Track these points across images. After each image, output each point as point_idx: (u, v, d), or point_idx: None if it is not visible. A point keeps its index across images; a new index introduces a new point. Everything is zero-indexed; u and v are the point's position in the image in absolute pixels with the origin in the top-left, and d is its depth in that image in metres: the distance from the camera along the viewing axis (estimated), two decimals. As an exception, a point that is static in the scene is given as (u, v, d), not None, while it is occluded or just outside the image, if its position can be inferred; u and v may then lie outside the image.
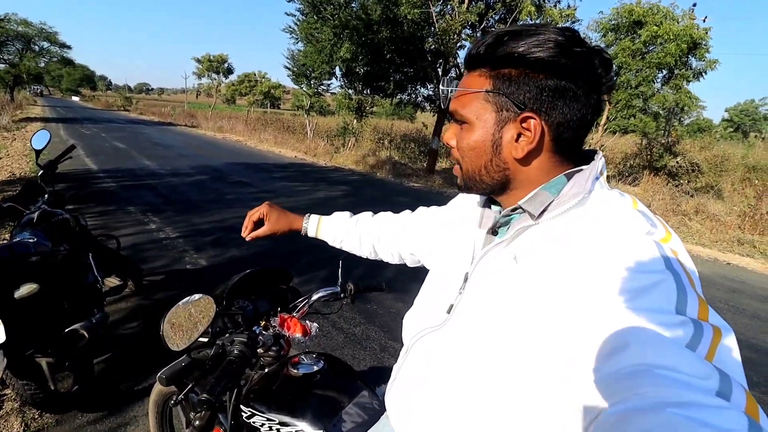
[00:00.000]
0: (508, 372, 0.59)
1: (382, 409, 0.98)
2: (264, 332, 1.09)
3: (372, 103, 14.68)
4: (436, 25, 10.17)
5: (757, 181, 9.04)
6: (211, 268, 3.86)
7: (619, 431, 0.36)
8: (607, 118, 11.09)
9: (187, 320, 0.90)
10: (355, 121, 14.73)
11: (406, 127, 19.58)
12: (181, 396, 0.94)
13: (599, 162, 0.63)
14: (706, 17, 9.86)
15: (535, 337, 0.56)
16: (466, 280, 0.69)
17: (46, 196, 2.48)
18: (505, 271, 0.62)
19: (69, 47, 30.39)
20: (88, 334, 1.91)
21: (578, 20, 9.97)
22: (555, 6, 10.01)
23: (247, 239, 1.19)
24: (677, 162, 11.61)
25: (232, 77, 39.93)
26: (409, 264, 1.09)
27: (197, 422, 0.95)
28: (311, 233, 1.20)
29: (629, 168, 12.84)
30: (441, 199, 8.28)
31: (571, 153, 0.63)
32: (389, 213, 1.15)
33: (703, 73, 10.32)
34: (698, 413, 0.34)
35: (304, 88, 16.56)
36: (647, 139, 12.91)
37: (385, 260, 1.14)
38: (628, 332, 0.43)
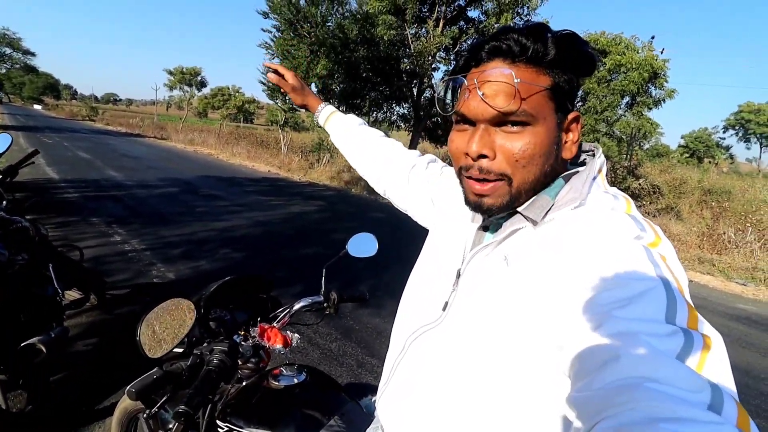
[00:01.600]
0: (504, 374, 0.58)
1: (367, 422, 0.95)
2: (243, 342, 1.04)
3: (348, 120, 14.75)
4: (412, 47, 10.41)
5: (713, 204, 9.56)
6: (180, 281, 3.70)
7: None
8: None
9: (166, 326, 0.84)
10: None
11: (380, 144, 19.72)
12: (152, 411, 0.87)
13: (597, 162, 0.63)
14: (663, 49, 10.53)
15: (528, 341, 0.55)
16: (458, 276, 0.68)
17: (4, 203, 2.34)
18: (496, 272, 0.61)
19: (33, 54, 29.45)
20: (45, 349, 1.78)
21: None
22: (525, 33, 10.44)
23: (268, 66, 1.17)
24: (639, 184, 12.16)
25: (205, 90, 39.44)
26: (394, 202, 1.05)
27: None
28: (320, 120, 1.17)
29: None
30: (415, 216, 8.36)
31: None
32: (398, 145, 1.06)
33: (662, 101, 10.96)
34: (690, 429, 0.34)
35: (279, 104, 16.47)
36: (611, 162, 13.51)
37: (370, 182, 1.11)
38: (618, 343, 0.42)
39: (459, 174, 0.64)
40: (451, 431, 0.64)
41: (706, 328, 0.44)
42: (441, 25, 10.67)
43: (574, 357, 0.46)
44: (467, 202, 0.64)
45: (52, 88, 78.59)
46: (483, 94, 0.56)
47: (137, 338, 0.83)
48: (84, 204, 6.26)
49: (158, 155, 15.30)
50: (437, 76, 12.44)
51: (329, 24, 10.96)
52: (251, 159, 16.19)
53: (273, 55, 12.94)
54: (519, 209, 0.61)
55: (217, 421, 0.97)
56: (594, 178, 0.62)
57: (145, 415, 0.88)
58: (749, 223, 7.57)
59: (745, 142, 39.17)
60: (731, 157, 40.87)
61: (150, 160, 13.14)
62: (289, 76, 1.15)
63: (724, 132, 40.78)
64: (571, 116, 0.60)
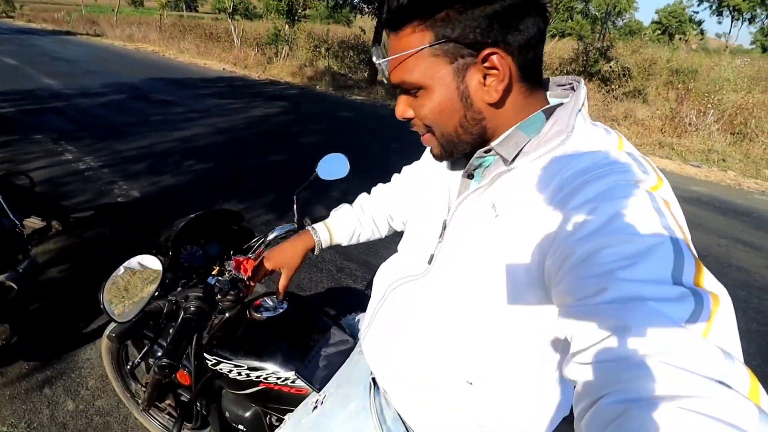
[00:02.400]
0: (490, 327, 0.59)
1: (352, 343, 1.00)
2: (220, 278, 1.03)
3: (304, 5, 13.31)
4: None
5: (679, 85, 9.59)
6: (147, 198, 3.59)
7: (618, 427, 0.34)
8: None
9: (132, 285, 0.81)
10: (287, 26, 13.38)
11: (343, 32, 18.15)
12: (162, 363, 0.88)
13: (582, 92, 0.58)
14: None
15: (518, 293, 0.55)
16: (444, 228, 0.66)
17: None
18: (483, 220, 0.59)
19: None
20: (16, 285, 1.76)
21: None
22: None
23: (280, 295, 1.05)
24: (610, 67, 11.93)
25: (136, -28, 33.95)
26: (390, 230, 1.08)
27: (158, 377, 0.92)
28: (326, 245, 1.04)
29: (566, 74, 13.07)
30: (385, 112, 8.10)
31: (536, 75, 0.57)
32: (383, 186, 1.06)
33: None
34: (702, 404, 0.33)
35: (226, -13, 14.53)
36: (583, 43, 13.02)
37: (398, 229, 1.07)
38: (625, 311, 0.40)
39: None
40: (430, 378, 0.67)
41: (712, 283, 0.42)
42: None
43: (576, 320, 0.44)
44: None
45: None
46: (382, 68, 0.60)
47: (101, 304, 0.80)
48: (22, 119, 5.70)
49: (96, 56, 13.68)
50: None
51: None
52: (202, 56, 14.75)
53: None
54: (492, 144, 0.58)
55: (205, 354, 1.01)
56: (579, 111, 0.57)
57: (133, 364, 0.89)
58: (710, 103, 7.70)
59: (717, 15, 38.12)
60: (702, 32, 40.10)
61: (88, 63, 11.77)
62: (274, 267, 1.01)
63: (698, 5, 39.43)
64: (481, 56, 0.53)
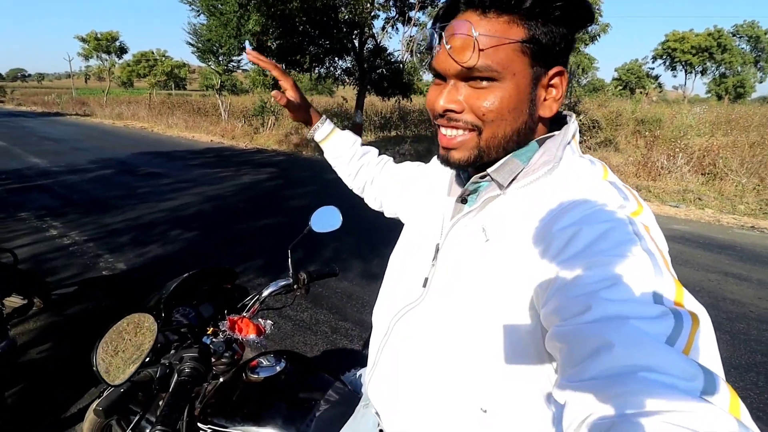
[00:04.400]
0: (489, 348, 0.58)
1: (355, 399, 0.95)
2: (214, 339, 0.99)
3: (289, 78, 14.03)
4: (348, -7, 9.85)
5: (647, 133, 10.13)
6: (133, 271, 3.51)
7: None
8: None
9: (125, 346, 0.78)
10: (273, 98, 14.02)
11: (326, 102, 19.08)
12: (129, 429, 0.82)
13: (572, 127, 0.61)
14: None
15: (509, 314, 0.55)
16: (437, 251, 0.67)
17: None
18: (474, 244, 0.60)
19: None
20: (-8, 367, 1.65)
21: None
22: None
23: (252, 59, 0.96)
24: (580, 119, 12.63)
25: (127, 57, 35.86)
26: (387, 213, 1.06)
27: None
28: (318, 138, 1.04)
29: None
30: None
31: None
32: (389, 158, 1.07)
33: (598, 37, 11.20)
34: (684, 418, 0.33)
35: (213, 66, 15.28)
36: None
37: (367, 202, 1.08)
38: (609, 329, 0.41)
39: (434, 125, 0.63)
40: (443, 408, 0.64)
41: (691, 303, 0.43)
42: (376, -32, 10.11)
43: (562, 341, 0.45)
44: (438, 155, 0.65)
45: (-59, 67, 68.49)
46: (450, 48, 0.54)
47: (94, 367, 0.75)
48: (7, 198, 5.68)
49: (85, 134, 14.00)
50: (377, 24, 11.98)
51: (256, -26, 10.07)
52: (190, 129, 15.21)
53: (198, 11, 11.86)
54: (488, 170, 0.60)
55: (199, 424, 0.94)
56: (568, 143, 0.60)
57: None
58: (678, 148, 8.12)
59: (671, 70, 41.31)
60: (660, 85, 43.08)
61: (76, 141, 12.01)
62: (288, 85, 0.97)
63: (653, 62, 42.70)
64: (552, 71, 0.56)
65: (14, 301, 2.45)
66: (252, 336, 1.05)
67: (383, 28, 11.54)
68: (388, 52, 11.74)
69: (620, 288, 0.43)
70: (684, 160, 7.78)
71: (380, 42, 11.57)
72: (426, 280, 0.67)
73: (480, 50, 0.52)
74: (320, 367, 1.09)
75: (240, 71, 17.39)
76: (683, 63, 39.39)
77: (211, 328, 1.03)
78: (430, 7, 10.79)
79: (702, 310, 0.43)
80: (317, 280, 1.22)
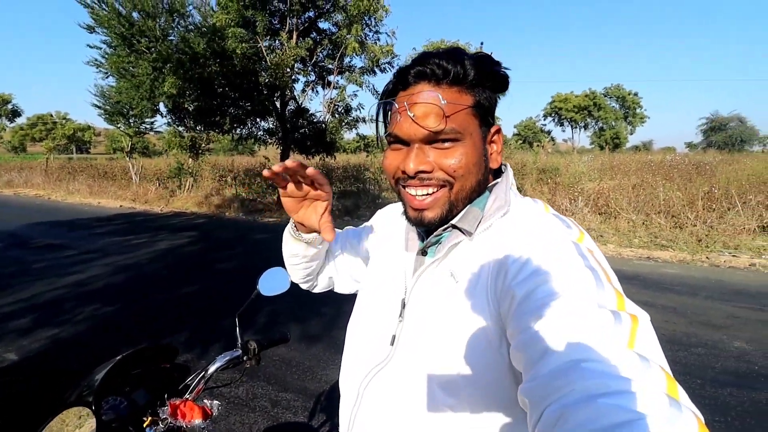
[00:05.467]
0: (467, 386, 0.58)
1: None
2: (155, 429, 0.87)
3: (208, 139, 13.72)
4: (268, 60, 10.12)
5: (549, 180, 11.31)
6: (27, 360, 2.99)
7: (558, 428, 0.38)
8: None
9: None
10: (190, 160, 13.51)
11: (248, 161, 18.77)
12: None
13: (510, 172, 0.70)
14: (492, 53, 12.07)
15: (484, 349, 0.57)
16: (403, 306, 0.67)
17: None
18: (443, 289, 0.63)
19: None
20: None
21: (396, 55, 11.09)
22: (375, 43, 10.96)
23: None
24: (492, 171, 13.74)
25: (21, 120, 32.74)
26: (317, 290, 1.02)
27: None
28: (315, 242, 0.83)
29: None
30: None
31: None
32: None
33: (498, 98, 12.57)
34: (622, 399, 0.37)
35: (122, 128, 14.50)
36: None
37: (318, 285, 1.00)
38: (555, 331, 0.46)
39: (396, 188, 0.67)
40: None
41: (632, 308, 0.49)
42: (295, 37, 10.59)
43: (520, 351, 0.49)
44: (407, 216, 0.66)
45: None
46: (414, 116, 0.59)
47: None
48: None
49: (-38, 206, 12.20)
50: (298, 87, 12.33)
51: (172, 38, 10.01)
52: (95, 195, 13.99)
53: (106, 73, 11.34)
54: (454, 222, 0.64)
55: None
56: (509, 188, 0.68)
57: None
58: (577, 192, 9.16)
59: (560, 125, 47.50)
60: (553, 139, 48.99)
61: (-50, 214, 10.40)
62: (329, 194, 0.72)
63: (544, 119, 48.84)
64: (493, 129, 0.66)
65: None
66: (197, 421, 0.95)
67: (303, 91, 11.93)
68: (310, 112, 12.08)
69: (566, 298, 0.48)
70: (583, 203, 8.75)
71: (302, 103, 11.90)
72: (393, 337, 0.67)
73: (446, 116, 0.59)
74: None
75: (152, 133, 16.66)
76: (569, 119, 45.53)
77: (149, 417, 0.90)
78: (347, 72, 11.42)
79: (642, 312, 0.48)
80: (268, 347, 1.14)
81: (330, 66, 11.67)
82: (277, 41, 10.85)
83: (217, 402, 1.02)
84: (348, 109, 12.03)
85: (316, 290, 1.02)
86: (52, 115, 35.78)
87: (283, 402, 2.53)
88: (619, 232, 7.55)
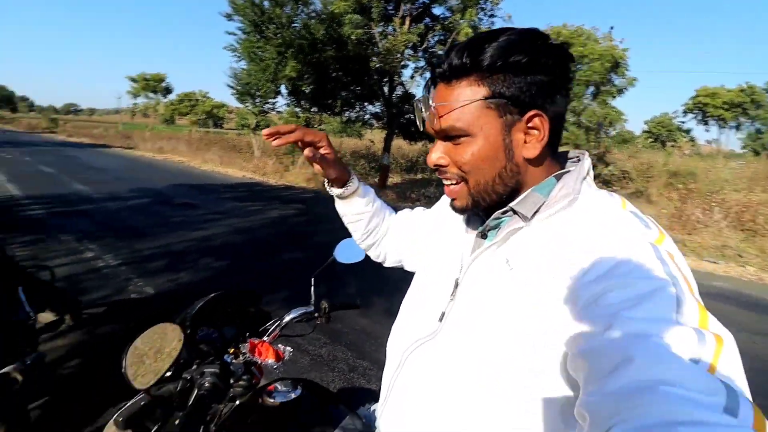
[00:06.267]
0: (507, 378, 0.57)
1: None
2: (234, 360, 1.01)
3: (320, 120, 14.64)
4: (380, 45, 10.39)
5: (680, 186, 9.92)
6: (160, 296, 3.60)
7: None
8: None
9: (153, 352, 0.81)
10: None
11: (354, 144, 19.66)
12: None
13: (586, 163, 0.64)
14: (622, 40, 10.87)
15: (532, 344, 0.54)
16: (456, 286, 0.68)
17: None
18: (498, 275, 0.61)
19: (-17, 66, 27.91)
20: (21, 377, 1.71)
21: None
22: (489, 28, 10.56)
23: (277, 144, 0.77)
24: (609, 170, 12.51)
25: (171, 96, 38.44)
26: (387, 264, 1.06)
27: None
28: (347, 193, 0.91)
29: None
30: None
31: (557, 144, 0.64)
32: (402, 212, 1.03)
33: (625, 90, 11.32)
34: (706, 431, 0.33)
35: (249, 107, 16.19)
36: (580, 150, 13.81)
37: (378, 259, 1.06)
38: (630, 345, 0.42)
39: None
40: None
41: (716, 326, 0.43)
42: (407, 22, 10.68)
43: (584, 360, 0.46)
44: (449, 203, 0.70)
45: (7, 100, 75.34)
46: (427, 115, 0.63)
47: (123, 369, 0.79)
48: (51, 221, 6.00)
49: (127, 166, 14.82)
50: (406, 73, 12.50)
51: (295, 25, 10.83)
52: (224, 165, 15.88)
53: (239, 57, 12.72)
54: (511, 204, 0.62)
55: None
56: (584, 179, 0.63)
57: None
58: (714, 202, 7.89)
59: (704, 124, 40.80)
60: (692, 140, 42.44)
61: (118, 171, 12.71)
62: (323, 140, 0.82)
63: (684, 116, 42.31)
64: (527, 116, 0.59)
65: (47, 316, 2.54)
66: (271, 361, 1.06)
67: (412, 77, 12.03)
68: (416, 98, 12.18)
69: (641, 308, 0.44)
70: (721, 215, 7.53)
71: (409, 89, 12.03)
72: (443, 314, 0.68)
73: (440, 117, 0.61)
74: (336, 398, 1.08)
75: (275, 113, 18.32)
76: (716, 117, 38.86)
77: (233, 349, 1.05)
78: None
79: (727, 333, 0.43)
80: (338, 310, 1.24)
81: (440, 52, 11.59)
82: (390, 27, 11.06)
83: (290, 348, 1.13)
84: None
85: (386, 263, 1.07)
86: (195, 93, 41.39)
87: (360, 368, 2.69)
88: (765, 254, 6.37)
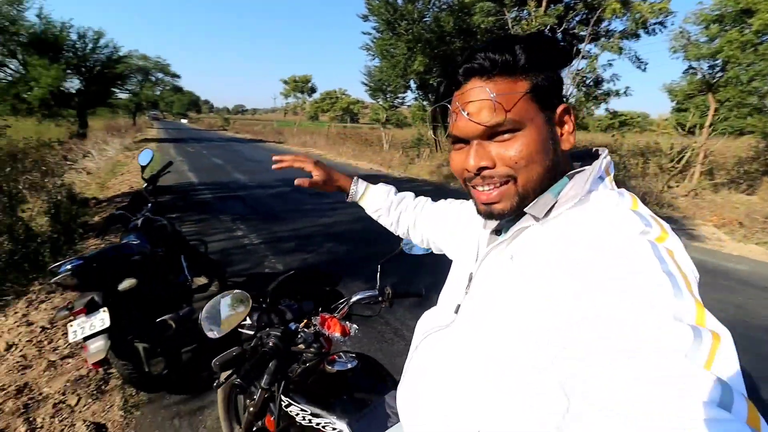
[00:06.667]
0: (512, 374, 0.60)
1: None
2: (305, 330, 1.19)
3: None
4: (512, 32, 9.92)
5: None
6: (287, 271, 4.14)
7: None
8: (714, 118, 9.91)
9: (226, 312, 1.03)
10: (430, 132, 14.82)
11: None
12: (235, 381, 1.06)
13: (602, 162, 0.63)
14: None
15: (536, 341, 0.56)
16: (471, 279, 0.72)
17: (149, 205, 2.89)
18: (501, 270, 0.64)
19: (178, 76, 34.64)
20: (175, 324, 2.20)
21: (672, 13, 9.08)
22: (644, 1, 9.22)
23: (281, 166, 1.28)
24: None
25: (315, 95, 42.57)
26: (434, 251, 1.15)
27: (251, 408, 1.08)
28: (356, 198, 1.19)
29: (744, 174, 11.24)
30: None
31: None
32: (427, 199, 1.17)
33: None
34: (701, 426, 0.34)
35: (381, 102, 17.08)
36: (765, 142, 11.22)
37: (415, 242, 1.20)
38: (626, 342, 0.43)
39: (465, 188, 0.69)
40: (457, 424, 0.68)
41: (713, 324, 0.43)
42: (544, 4, 9.98)
43: (580, 360, 0.47)
44: (478, 212, 0.68)
45: (194, 104, 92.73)
46: (468, 114, 0.60)
47: (199, 322, 1.02)
48: (215, 204, 7.30)
49: (276, 158, 16.95)
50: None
51: (426, 19, 11.01)
52: (356, 157, 17.04)
53: (373, 55, 13.46)
54: (526, 209, 0.63)
55: (281, 395, 1.14)
56: (601, 178, 0.62)
57: (237, 382, 1.04)
58: None
59: None
60: None
61: (269, 163, 14.36)
62: (310, 166, 1.19)
63: None
64: (559, 109, 0.62)
65: (200, 280, 3.18)
66: (337, 334, 1.22)
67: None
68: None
69: (638, 306, 0.45)
70: None
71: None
72: (458, 306, 0.73)
73: (499, 109, 0.58)
74: (388, 375, 1.19)
75: (405, 107, 18.95)
76: None
77: (306, 320, 1.23)
78: (603, 39, 10.11)
79: (724, 330, 0.43)
80: (401, 297, 1.34)
81: (582, 33, 10.56)
82: (524, 11, 10.47)
83: (356, 326, 1.27)
84: (598, 81, 10.74)
85: (434, 251, 1.16)
86: (335, 91, 45.13)
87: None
88: None
